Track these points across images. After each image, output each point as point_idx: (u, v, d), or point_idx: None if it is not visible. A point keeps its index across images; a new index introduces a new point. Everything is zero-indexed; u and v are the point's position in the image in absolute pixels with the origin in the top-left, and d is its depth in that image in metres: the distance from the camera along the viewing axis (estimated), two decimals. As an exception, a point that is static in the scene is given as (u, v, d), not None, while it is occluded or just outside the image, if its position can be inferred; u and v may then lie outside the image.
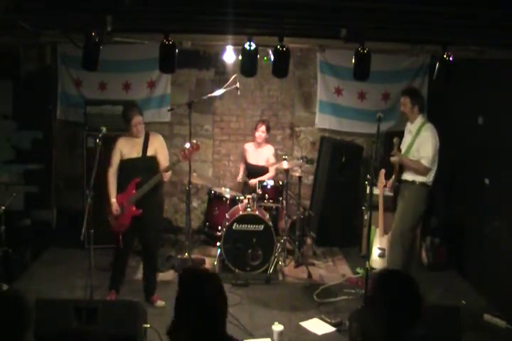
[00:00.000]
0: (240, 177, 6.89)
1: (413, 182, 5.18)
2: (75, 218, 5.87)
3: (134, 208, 4.96)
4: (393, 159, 5.28)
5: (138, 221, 4.99)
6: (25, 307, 2.15)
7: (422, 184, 5.16)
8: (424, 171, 5.12)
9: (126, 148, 4.98)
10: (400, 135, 5.43)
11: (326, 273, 6.07)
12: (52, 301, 3.94)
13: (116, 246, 5.01)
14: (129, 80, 6.88)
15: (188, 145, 5.14)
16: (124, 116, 5.00)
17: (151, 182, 4.96)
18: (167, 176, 5.11)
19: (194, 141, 5.15)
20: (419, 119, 5.24)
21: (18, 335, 2.10)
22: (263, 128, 6.69)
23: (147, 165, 5.02)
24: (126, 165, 4.99)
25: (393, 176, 5.40)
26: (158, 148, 5.08)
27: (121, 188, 5.00)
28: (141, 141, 5.01)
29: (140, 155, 4.99)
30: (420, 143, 5.15)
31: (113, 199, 4.95)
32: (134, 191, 4.95)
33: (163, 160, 5.09)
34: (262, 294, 5.40)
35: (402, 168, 5.29)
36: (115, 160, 4.97)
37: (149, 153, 5.01)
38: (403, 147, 5.31)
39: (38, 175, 6.89)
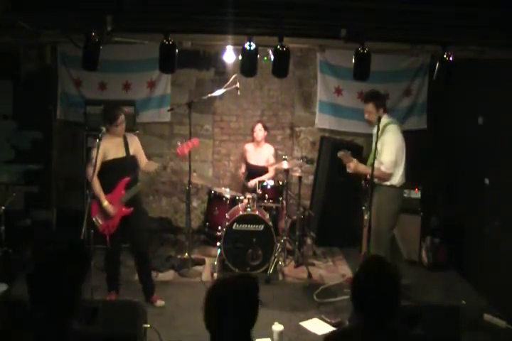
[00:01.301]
0: (241, 174, 6.92)
1: (380, 184, 5.14)
2: (75, 218, 5.86)
3: (124, 208, 4.95)
4: (349, 171, 5.26)
5: (125, 222, 4.98)
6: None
7: (390, 186, 5.14)
8: (384, 177, 5.08)
9: (110, 149, 4.89)
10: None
11: (326, 273, 6.07)
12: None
13: (105, 247, 4.98)
14: (129, 80, 6.88)
15: (180, 143, 5.22)
16: (108, 115, 4.90)
17: (146, 181, 4.97)
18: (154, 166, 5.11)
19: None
20: (383, 121, 5.09)
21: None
22: (259, 126, 6.72)
23: (133, 164, 5.04)
24: (113, 165, 4.91)
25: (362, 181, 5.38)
26: (137, 147, 5.10)
27: (106, 188, 4.91)
28: (122, 140, 4.98)
29: (125, 154, 4.97)
30: (381, 147, 5.08)
31: (105, 202, 4.87)
32: (123, 191, 4.93)
33: (144, 158, 5.14)
34: (262, 294, 5.33)
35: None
36: (98, 162, 4.82)
37: (131, 152, 5.02)
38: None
39: (38, 175, 6.89)
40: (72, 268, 2.16)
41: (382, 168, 5.06)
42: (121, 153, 4.95)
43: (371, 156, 5.08)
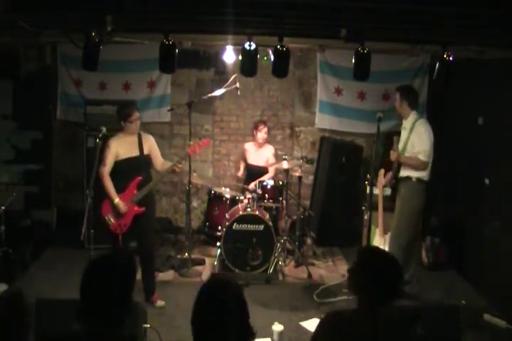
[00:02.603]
0: (240, 173, 6.95)
1: (408, 177, 5.22)
2: (75, 218, 5.87)
3: (136, 207, 4.94)
4: (392, 157, 5.30)
5: (136, 221, 4.97)
6: (24, 309, 2.16)
7: (418, 179, 5.19)
8: (422, 166, 5.15)
9: (123, 148, 4.90)
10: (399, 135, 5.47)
11: (326, 273, 6.07)
12: (52, 301, 3.94)
13: (114, 246, 4.96)
14: (129, 80, 6.88)
15: (192, 142, 5.27)
16: (121, 113, 4.92)
17: (156, 180, 4.96)
18: (180, 168, 5.16)
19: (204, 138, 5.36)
20: (412, 116, 5.28)
21: (18, 337, 2.11)
22: (266, 129, 6.71)
23: (146, 163, 5.04)
24: (125, 164, 4.91)
25: (390, 173, 5.40)
26: (152, 146, 5.10)
27: (118, 188, 4.91)
28: (135, 139, 4.98)
29: (138, 153, 4.97)
30: (415, 139, 5.18)
31: (117, 199, 4.86)
32: (135, 190, 4.93)
33: (159, 157, 5.14)
34: (262, 294, 5.40)
35: (399, 166, 5.31)
36: (110, 161, 4.85)
37: (145, 151, 5.01)
38: (400, 144, 5.33)
39: (38, 175, 6.90)
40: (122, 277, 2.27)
41: (420, 157, 5.12)
42: (134, 152, 4.95)
43: (402, 149, 5.25)
